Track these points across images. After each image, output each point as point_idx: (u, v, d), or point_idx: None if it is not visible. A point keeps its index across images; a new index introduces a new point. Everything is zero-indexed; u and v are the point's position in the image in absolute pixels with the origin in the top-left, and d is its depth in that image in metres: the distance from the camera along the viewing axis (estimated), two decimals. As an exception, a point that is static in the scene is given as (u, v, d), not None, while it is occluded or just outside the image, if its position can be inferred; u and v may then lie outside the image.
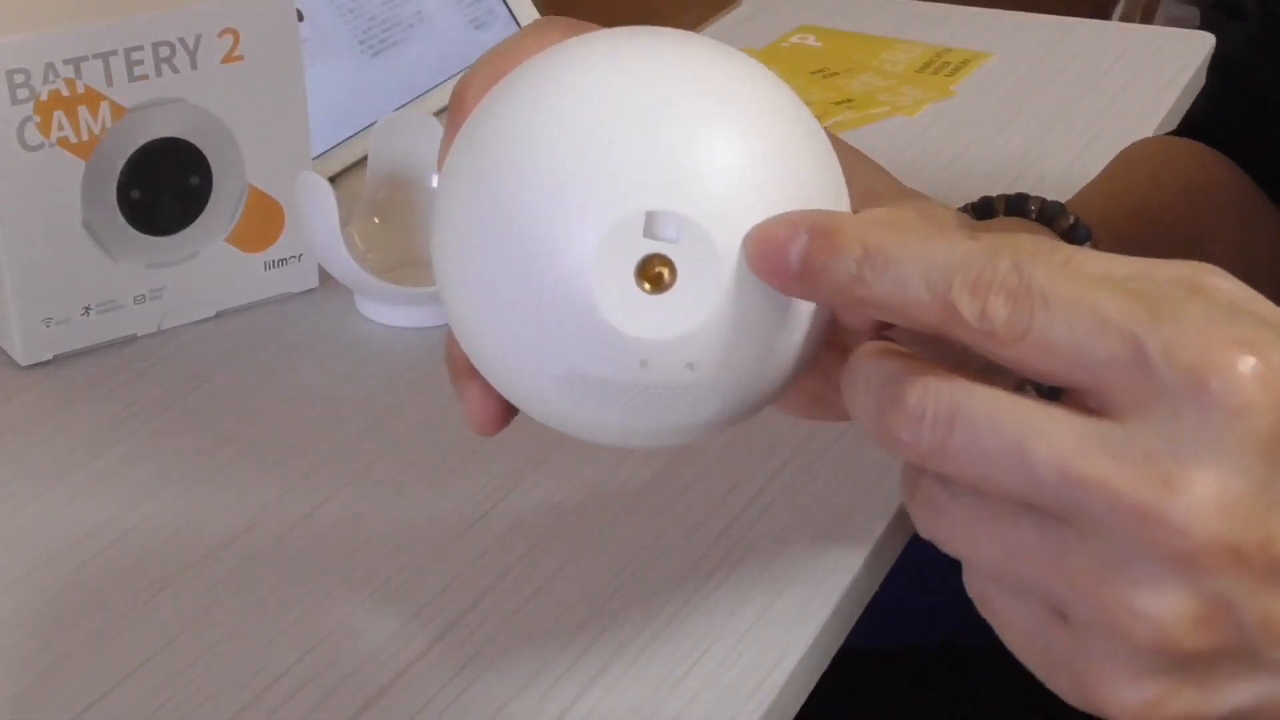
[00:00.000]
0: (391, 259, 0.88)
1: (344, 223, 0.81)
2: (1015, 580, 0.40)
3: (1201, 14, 0.82)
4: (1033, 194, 0.65)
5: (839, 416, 0.48)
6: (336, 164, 0.99)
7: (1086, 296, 0.38)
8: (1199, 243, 0.73)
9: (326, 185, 0.81)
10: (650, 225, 0.42)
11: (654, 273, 0.43)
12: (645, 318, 0.43)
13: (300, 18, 0.87)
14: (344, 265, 0.82)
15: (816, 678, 0.64)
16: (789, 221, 0.41)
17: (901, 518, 0.70)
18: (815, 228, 0.41)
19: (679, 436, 0.46)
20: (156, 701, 0.61)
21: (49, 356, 0.82)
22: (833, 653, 0.65)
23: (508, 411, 0.48)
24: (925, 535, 0.41)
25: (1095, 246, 0.60)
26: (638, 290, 0.43)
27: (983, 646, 1.01)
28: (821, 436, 0.75)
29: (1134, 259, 0.41)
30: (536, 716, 0.60)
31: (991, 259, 0.38)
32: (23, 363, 0.82)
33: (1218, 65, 0.80)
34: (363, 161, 0.92)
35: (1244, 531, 0.37)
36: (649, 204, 0.42)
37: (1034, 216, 0.65)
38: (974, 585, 0.42)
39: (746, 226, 0.43)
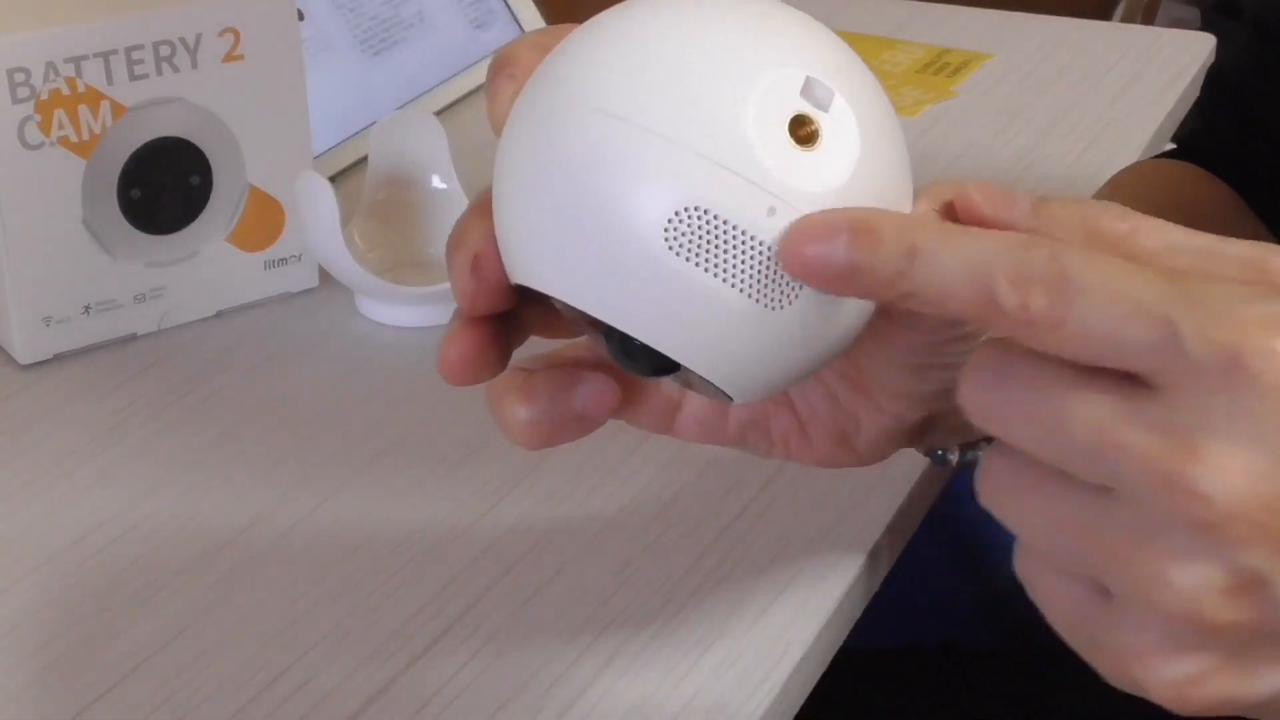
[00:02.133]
0: (391, 259, 0.88)
1: (344, 222, 0.81)
2: (1059, 552, 0.41)
3: (1202, 15, 0.82)
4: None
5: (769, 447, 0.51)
6: (337, 164, 0.99)
7: (1121, 283, 0.39)
8: None
9: (327, 185, 0.81)
10: (807, 88, 0.44)
11: (805, 130, 0.43)
12: (790, 163, 0.43)
13: (301, 17, 0.87)
14: (344, 265, 0.82)
15: (816, 678, 0.64)
16: (828, 221, 0.42)
17: (901, 518, 0.70)
18: (858, 226, 0.42)
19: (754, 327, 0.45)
20: (156, 701, 0.61)
21: (49, 355, 0.82)
22: (833, 653, 0.65)
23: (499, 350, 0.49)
24: (984, 505, 0.42)
25: None
26: (788, 140, 0.43)
27: (982, 646, 1.02)
28: (822, 437, 0.74)
29: (1204, 235, 0.42)
30: (536, 716, 0.60)
31: (1029, 250, 0.40)
32: (23, 362, 0.82)
33: (1210, 80, 0.80)
34: (363, 161, 0.92)
35: (1273, 505, 0.38)
36: (810, 72, 0.44)
37: None
38: (1023, 564, 0.43)
39: (879, 123, 0.45)
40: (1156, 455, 0.38)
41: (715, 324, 0.44)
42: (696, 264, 0.43)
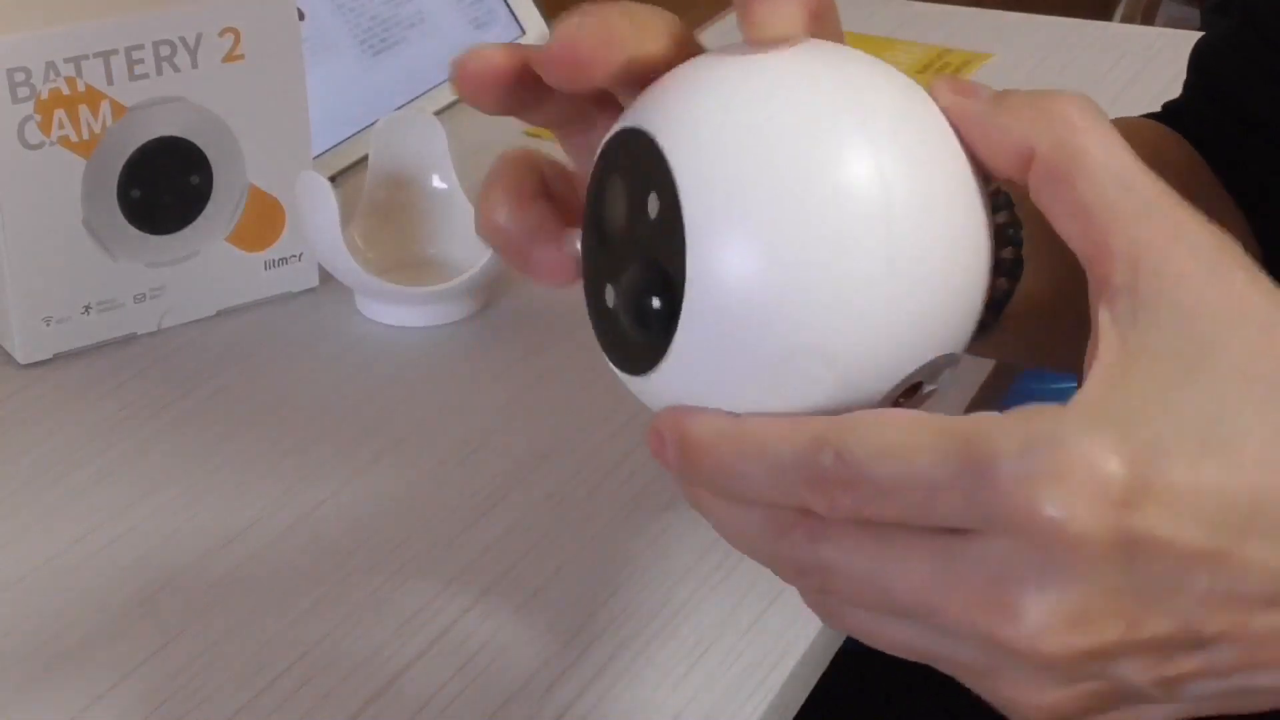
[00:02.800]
0: (391, 259, 0.88)
1: (344, 222, 0.81)
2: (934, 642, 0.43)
3: (1202, 15, 0.82)
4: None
5: None
6: (337, 164, 0.99)
7: (911, 465, 0.39)
8: None
9: (327, 185, 0.81)
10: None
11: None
12: None
13: (301, 17, 0.87)
14: (344, 265, 0.82)
15: (816, 678, 0.64)
16: (668, 425, 0.43)
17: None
18: (678, 444, 0.43)
19: None
20: (156, 700, 0.61)
21: (49, 355, 0.82)
22: (832, 653, 0.65)
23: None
24: (815, 610, 0.45)
25: (1022, 225, 0.61)
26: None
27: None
28: (822, 437, 0.74)
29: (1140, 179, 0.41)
30: (536, 716, 0.60)
31: (815, 458, 0.40)
32: (23, 361, 0.82)
33: (1194, 55, 0.80)
34: (363, 161, 0.92)
35: (1101, 633, 0.39)
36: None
37: None
38: (841, 614, 0.45)
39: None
40: (977, 617, 0.40)
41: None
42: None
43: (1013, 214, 0.63)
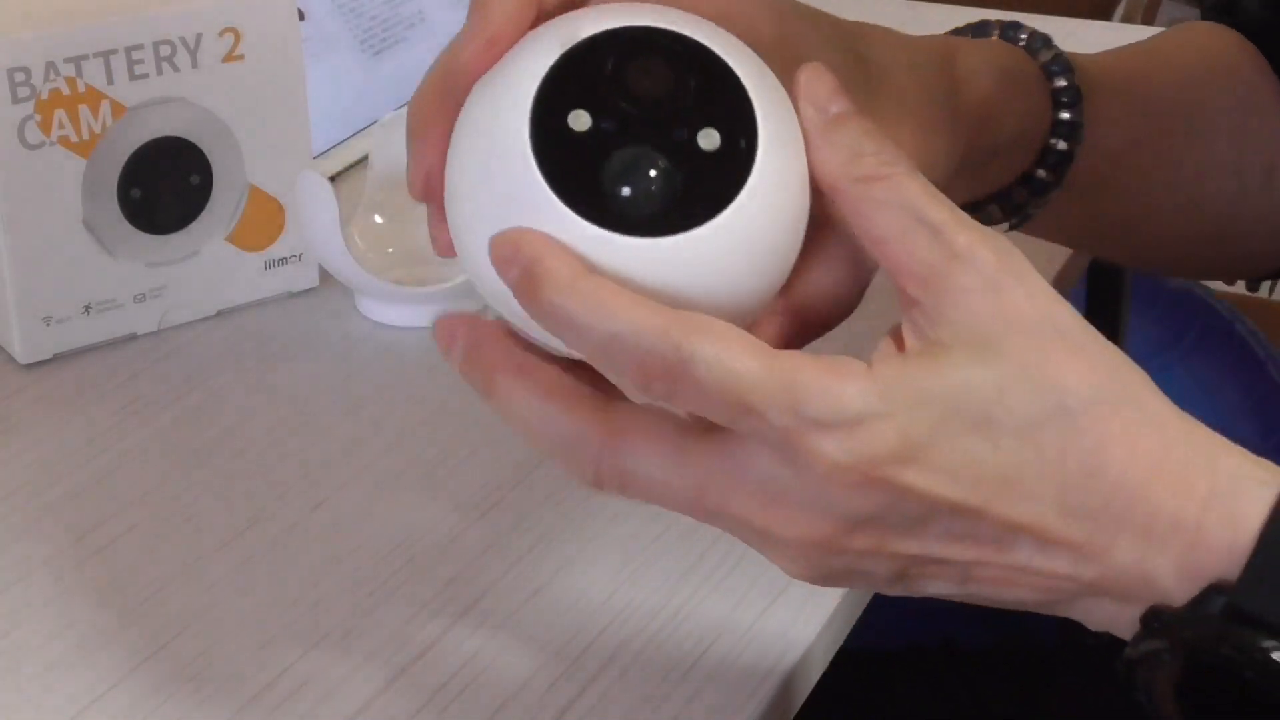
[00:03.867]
0: (391, 259, 0.88)
1: (344, 222, 0.81)
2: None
3: (1202, 15, 0.82)
4: (1026, 24, 0.69)
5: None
6: (337, 163, 0.99)
7: (717, 383, 0.46)
8: (1194, 123, 0.74)
9: (327, 184, 0.81)
10: None
11: None
12: None
13: (301, 17, 0.87)
14: (344, 265, 0.82)
15: (816, 678, 0.64)
16: (514, 246, 0.48)
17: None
18: (527, 263, 0.47)
19: None
20: (155, 700, 0.61)
21: (49, 355, 0.82)
22: (833, 653, 0.65)
23: None
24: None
25: (1086, 97, 0.67)
26: None
27: (982, 646, 1.01)
28: (822, 437, 0.74)
29: (941, 207, 0.48)
30: (536, 716, 0.60)
31: (657, 344, 0.46)
32: (23, 361, 0.82)
33: None
34: (363, 161, 0.92)
35: (847, 542, 0.48)
36: None
37: (1022, 44, 0.68)
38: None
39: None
40: (743, 506, 0.49)
41: None
42: None
43: (1072, 80, 0.67)
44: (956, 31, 0.69)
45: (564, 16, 0.51)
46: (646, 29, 0.49)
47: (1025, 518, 0.47)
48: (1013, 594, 0.50)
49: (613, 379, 0.49)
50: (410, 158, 0.53)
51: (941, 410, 0.47)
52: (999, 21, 0.69)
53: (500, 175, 0.49)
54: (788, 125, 0.50)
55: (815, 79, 0.50)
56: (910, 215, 0.48)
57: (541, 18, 0.51)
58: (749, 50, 0.51)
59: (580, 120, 0.48)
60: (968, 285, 0.47)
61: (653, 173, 0.48)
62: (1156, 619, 0.48)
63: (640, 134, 0.48)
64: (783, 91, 0.51)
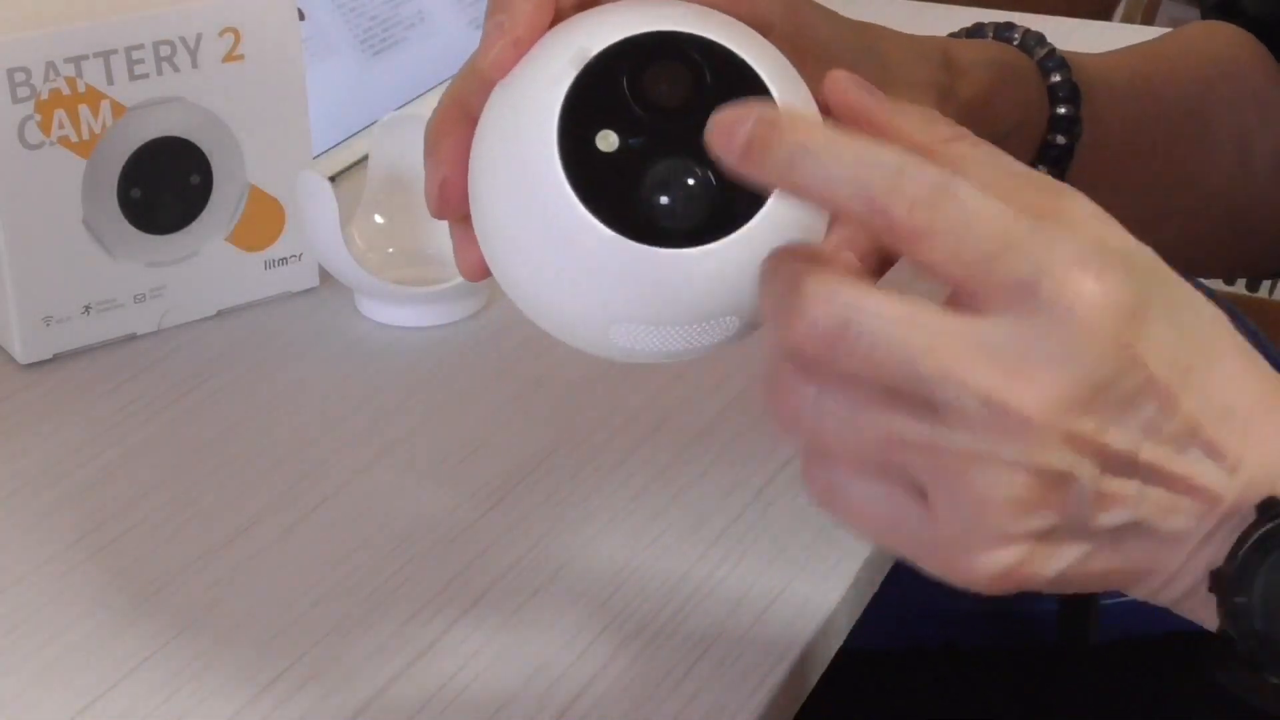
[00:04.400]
0: (391, 259, 0.88)
1: (344, 222, 0.81)
2: (875, 464, 0.47)
3: (1202, 15, 0.82)
4: (1019, 24, 0.69)
5: None
6: (337, 163, 0.99)
7: (980, 210, 0.44)
8: (1200, 119, 0.74)
9: (327, 184, 0.81)
10: None
11: None
12: None
13: (301, 17, 0.87)
14: (344, 265, 0.82)
15: (816, 678, 0.64)
16: (743, 109, 0.46)
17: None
18: (761, 117, 0.46)
19: None
20: (156, 700, 0.61)
21: (49, 355, 0.82)
22: (833, 653, 0.65)
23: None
24: (787, 430, 0.47)
25: (1087, 94, 0.67)
26: None
27: (984, 647, 1.01)
28: (822, 437, 0.74)
29: (1019, 174, 0.48)
30: (536, 716, 0.60)
31: (904, 167, 0.45)
32: (23, 361, 0.82)
33: None
34: (363, 161, 0.92)
35: (1078, 421, 0.45)
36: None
37: (1016, 43, 0.69)
38: (822, 478, 0.48)
39: None
40: (986, 381, 0.44)
41: None
42: None
43: (1067, 76, 0.68)
44: (952, 36, 0.69)
45: (577, 20, 0.51)
46: (659, 34, 0.49)
47: (1202, 413, 0.47)
48: (1170, 523, 0.48)
49: (858, 218, 0.46)
50: (426, 171, 0.53)
51: (1146, 277, 0.46)
52: (993, 24, 0.70)
53: (538, 207, 0.49)
54: (810, 112, 0.50)
55: (848, 75, 0.50)
56: (1007, 161, 0.48)
57: (558, 18, 0.52)
58: (763, 41, 0.51)
59: (608, 141, 0.48)
60: (1084, 212, 0.47)
61: (689, 181, 0.48)
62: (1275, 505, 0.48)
63: (669, 144, 0.48)
64: (800, 81, 0.51)
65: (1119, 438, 0.46)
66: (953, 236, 0.44)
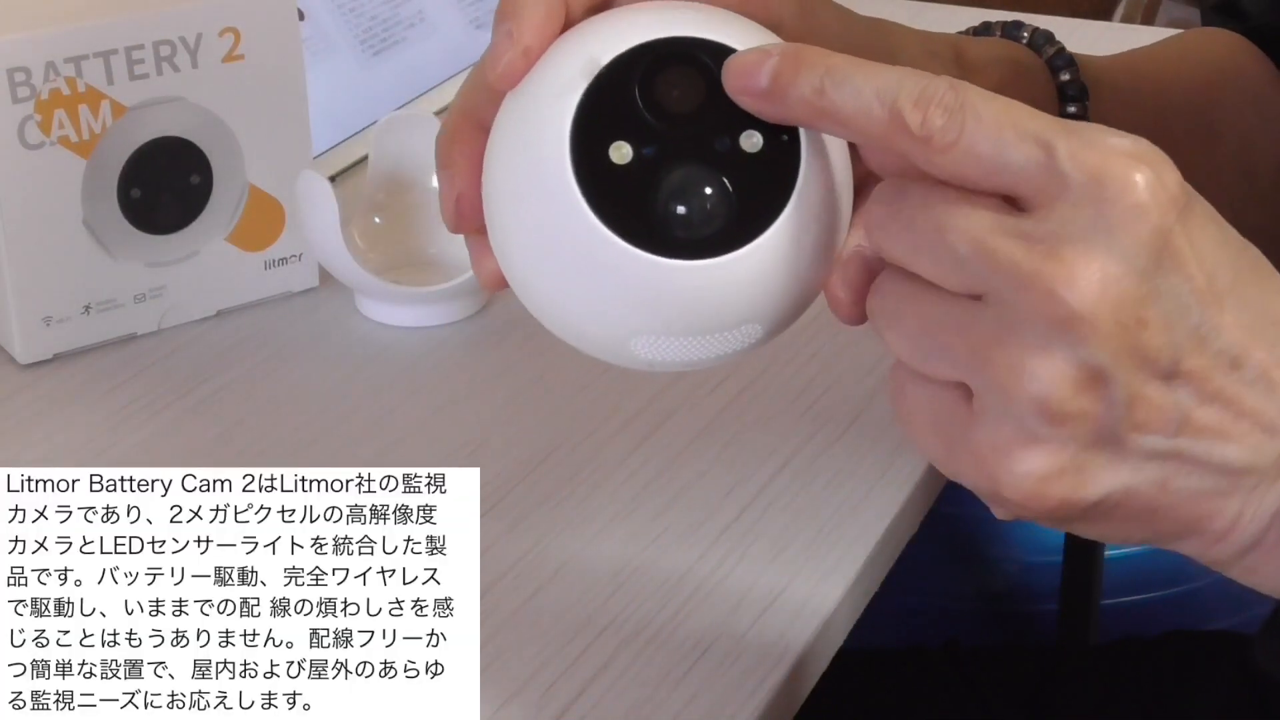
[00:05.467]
0: (391, 259, 0.88)
1: (344, 222, 0.81)
2: (929, 356, 0.46)
3: (1202, 16, 0.82)
4: (1027, 23, 0.69)
5: None
6: (337, 163, 0.99)
7: (1010, 112, 0.44)
8: (1205, 122, 0.74)
9: (327, 185, 0.81)
10: None
11: None
12: None
13: (301, 17, 0.87)
14: (344, 265, 0.82)
15: (816, 678, 0.64)
16: (762, 49, 0.47)
17: (901, 518, 0.70)
18: (785, 51, 0.47)
19: None
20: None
21: (49, 355, 0.82)
22: (833, 653, 0.65)
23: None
24: (870, 320, 0.48)
25: (1093, 94, 0.67)
26: None
27: (984, 647, 1.01)
28: (821, 436, 0.75)
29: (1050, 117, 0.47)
30: (536, 716, 0.60)
31: (933, 80, 0.45)
32: (23, 361, 0.82)
33: None
34: (363, 161, 0.92)
35: (1119, 309, 0.44)
36: None
37: (1025, 42, 0.68)
38: (894, 378, 0.48)
39: None
40: (1021, 259, 0.44)
41: None
42: None
43: (1075, 75, 0.68)
44: (960, 34, 0.69)
45: (587, 25, 0.51)
46: (669, 40, 0.49)
47: (1253, 333, 0.45)
48: (1221, 452, 0.46)
49: (885, 135, 0.46)
50: (440, 185, 0.53)
51: (1188, 189, 0.45)
52: (1000, 23, 0.70)
53: (554, 222, 0.48)
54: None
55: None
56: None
57: (569, 23, 0.51)
58: (774, 39, 0.51)
59: (621, 153, 0.48)
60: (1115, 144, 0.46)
61: (706, 190, 0.48)
62: None
63: (684, 153, 0.48)
64: None
65: (1159, 337, 0.44)
66: (988, 140, 0.44)
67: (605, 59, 0.48)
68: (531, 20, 0.50)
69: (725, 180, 0.48)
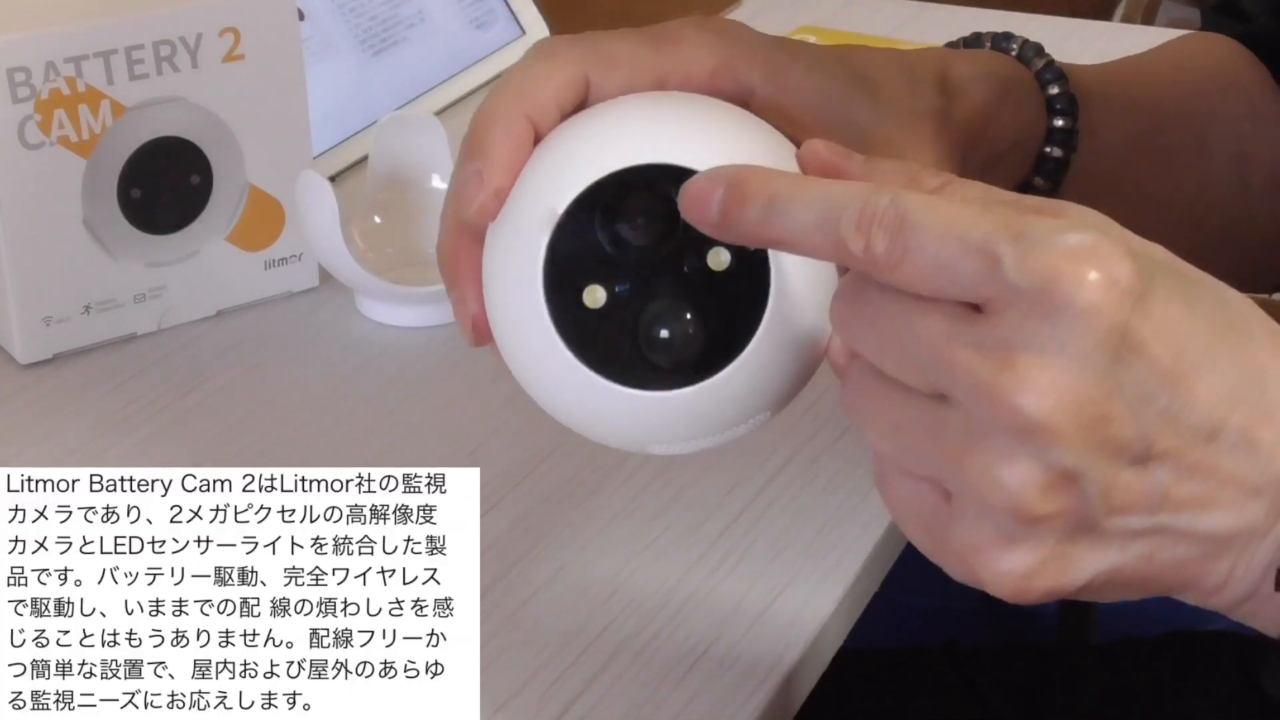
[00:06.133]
0: (391, 259, 0.88)
1: (344, 222, 0.81)
2: (905, 456, 0.47)
3: (1202, 16, 0.82)
4: (1017, 34, 0.69)
5: None
6: (337, 163, 0.99)
7: (954, 223, 0.44)
8: (1197, 131, 0.74)
9: (327, 184, 0.81)
10: None
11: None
12: None
13: (301, 17, 0.87)
14: (344, 265, 0.82)
15: (816, 678, 0.64)
16: (711, 176, 0.47)
17: (902, 518, 0.70)
18: (730, 181, 0.47)
19: None
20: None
21: (49, 355, 0.82)
22: (833, 653, 0.65)
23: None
24: (846, 414, 0.48)
25: (1083, 105, 0.67)
26: None
27: (984, 647, 1.01)
28: (821, 437, 0.75)
29: (1006, 192, 0.48)
30: (536, 716, 0.60)
31: (872, 197, 0.45)
32: (23, 361, 0.82)
33: None
34: (363, 161, 0.92)
35: (1080, 411, 0.44)
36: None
37: (1014, 54, 0.68)
38: (878, 471, 0.48)
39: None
40: (977, 369, 0.44)
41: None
42: None
43: (1065, 88, 0.67)
44: (949, 45, 0.69)
45: (551, 148, 0.52)
46: (626, 172, 0.49)
47: (1230, 400, 0.45)
48: (1207, 521, 0.46)
49: (833, 257, 0.47)
50: (453, 305, 0.54)
51: (1149, 263, 0.45)
52: (990, 34, 0.70)
53: (544, 365, 0.51)
54: (778, 168, 0.50)
55: (820, 145, 0.50)
56: (999, 194, 0.48)
57: (538, 137, 0.53)
58: (736, 123, 0.52)
59: (595, 296, 0.49)
60: (1086, 216, 0.46)
61: (682, 320, 0.49)
62: None
63: (655, 285, 0.49)
64: (784, 151, 0.51)
65: (1126, 429, 0.44)
66: (932, 257, 0.44)
67: (561, 207, 0.49)
68: (500, 160, 0.52)
69: (699, 306, 0.49)
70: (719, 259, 0.49)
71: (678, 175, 0.48)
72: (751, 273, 0.49)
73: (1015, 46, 0.68)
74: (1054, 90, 0.67)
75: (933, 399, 0.45)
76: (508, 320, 0.51)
